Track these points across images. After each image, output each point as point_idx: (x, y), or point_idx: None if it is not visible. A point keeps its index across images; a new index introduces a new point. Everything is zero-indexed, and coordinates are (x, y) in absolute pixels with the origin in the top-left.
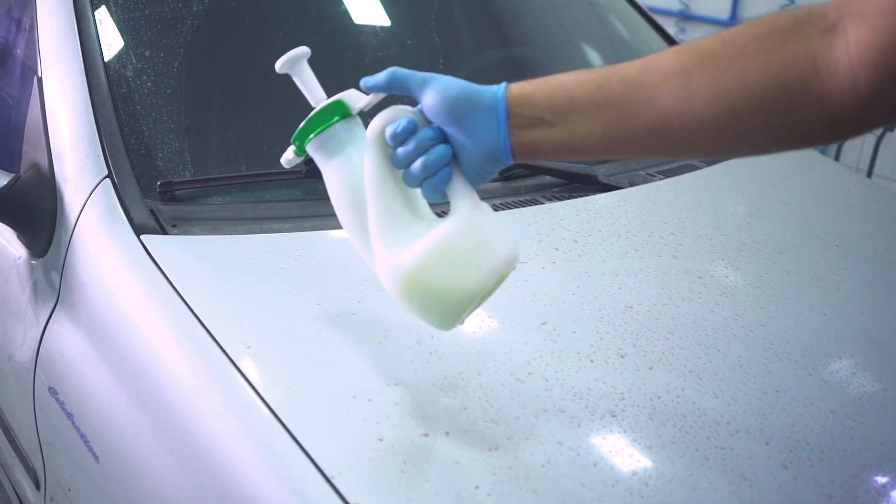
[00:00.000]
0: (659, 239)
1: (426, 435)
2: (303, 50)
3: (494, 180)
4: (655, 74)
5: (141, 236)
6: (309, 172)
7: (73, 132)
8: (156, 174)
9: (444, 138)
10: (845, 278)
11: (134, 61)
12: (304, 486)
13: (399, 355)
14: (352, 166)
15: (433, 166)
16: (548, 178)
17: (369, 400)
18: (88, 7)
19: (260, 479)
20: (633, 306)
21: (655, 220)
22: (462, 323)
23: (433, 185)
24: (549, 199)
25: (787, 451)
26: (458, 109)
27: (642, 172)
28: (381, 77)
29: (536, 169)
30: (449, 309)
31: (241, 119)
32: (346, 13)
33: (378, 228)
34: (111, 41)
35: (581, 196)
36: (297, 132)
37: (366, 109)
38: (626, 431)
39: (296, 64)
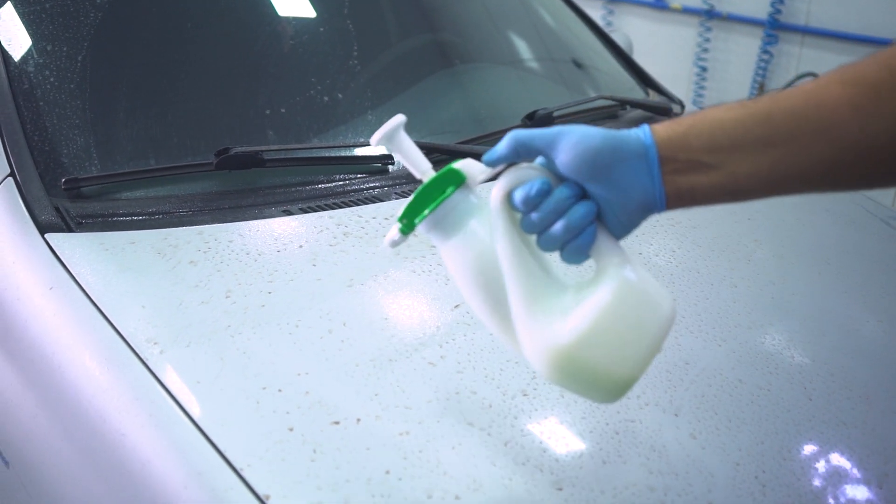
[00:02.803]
0: None
1: (337, 423)
2: (399, 119)
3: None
4: (823, 108)
5: (45, 235)
6: (219, 164)
7: None
8: (61, 171)
9: (583, 194)
10: (756, 250)
11: (36, 56)
12: (211, 479)
13: (310, 345)
14: (477, 241)
15: (577, 227)
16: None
17: (279, 391)
18: None
19: (168, 474)
20: None
21: None
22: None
23: (577, 248)
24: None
25: (696, 421)
26: (600, 161)
27: None
28: (502, 147)
29: (452, 153)
30: (620, 382)
31: (148, 113)
32: (257, 3)
33: (522, 305)
34: (11, 36)
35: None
36: (405, 209)
37: (486, 181)
38: (537, 410)
39: (394, 136)
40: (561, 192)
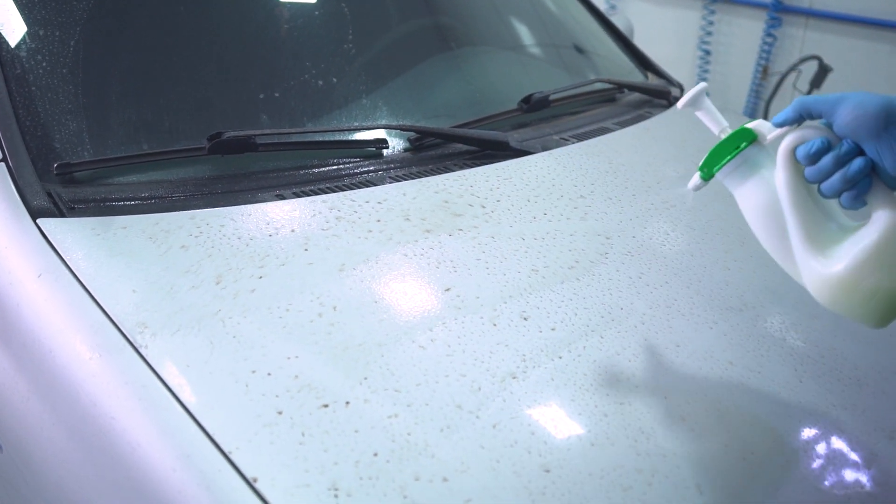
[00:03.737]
0: (568, 202)
1: (325, 406)
2: (702, 86)
3: (405, 150)
4: None
5: (38, 220)
6: (212, 149)
7: None
8: (54, 157)
9: (860, 151)
10: (750, 233)
11: (28, 41)
12: (200, 462)
13: (300, 328)
14: (767, 187)
15: (854, 178)
16: (460, 146)
17: (269, 374)
18: None
19: (157, 457)
20: (539, 269)
21: (566, 183)
22: None
23: (854, 196)
24: (460, 167)
25: (686, 403)
26: (879, 123)
27: (556, 137)
28: (789, 111)
29: (448, 136)
30: (889, 306)
31: (141, 97)
32: None
33: (803, 241)
34: (3, 20)
35: (493, 163)
36: (705, 160)
37: (774, 139)
38: (526, 393)
39: (698, 100)
40: (841, 148)
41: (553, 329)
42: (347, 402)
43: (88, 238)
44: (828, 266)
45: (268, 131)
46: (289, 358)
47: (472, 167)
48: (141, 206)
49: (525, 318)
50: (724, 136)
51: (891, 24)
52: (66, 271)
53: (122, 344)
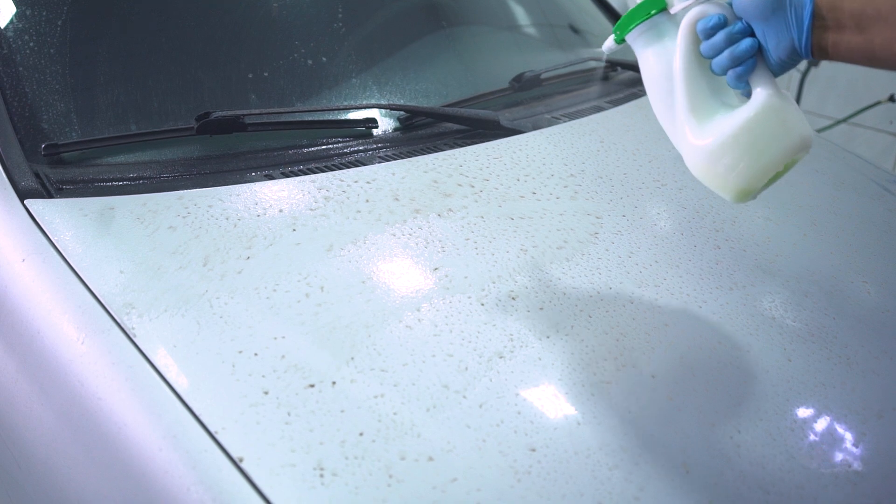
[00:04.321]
0: (558, 181)
1: (312, 386)
2: None
3: (395, 129)
4: None
5: (25, 201)
6: (200, 129)
7: None
8: (41, 137)
9: (751, 32)
10: (743, 211)
11: (15, 21)
12: (186, 442)
13: (287, 308)
14: (666, 55)
15: (740, 57)
16: (450, 126)
17: (255, 354)
18: None
19: (143, 437)
20: (528, 249)
21: (556, 162)
22: (754, 199)
23: (738, 75)
24: (450, 146)
25: (673, 382)
26: (768, 6)
27: (547, 116)
28: None
29: (438, 116)
30: (749, 182)
31: (129, 77)
32: None
33: (686, 111)
34: None
35: (483, 142)
36: (619, 22)
37: (680, 10)
38: (513, 372)
39: None
40: (734, 27)
41: (541, 308)
42: (334, 382)
43: (76, 219)
44: (701, 137)
45: (256, 111)
46: (275, 338)
47: (462, 146)
48: (129, 187)
49: (513, 298)
50: (638, 2)
51: None
52: (54, 252)
53: (109, 324)
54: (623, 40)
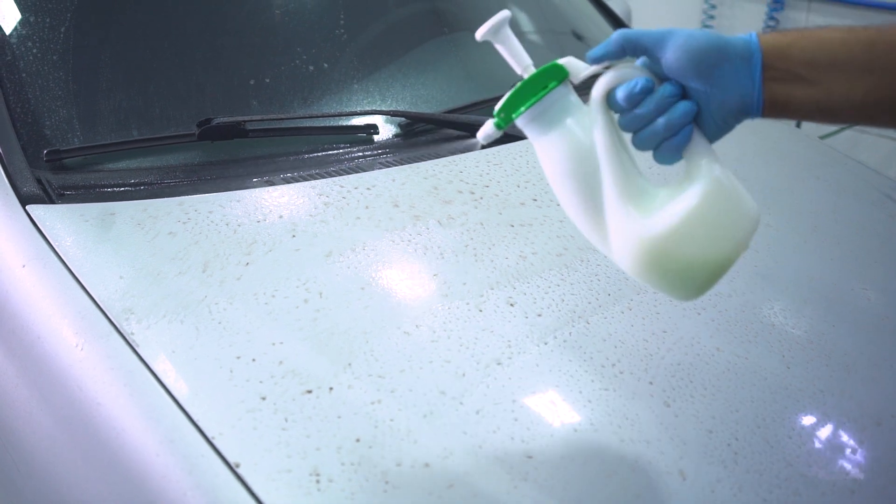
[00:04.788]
0: None
1: (309, 392)
2: (504, 14)
3: (396, 135)
4: None
5: (27, 206)
6: (202, 135)
7: None
8: (43, 143)
9: (684, 94)
10: None
11: (18, 28)
12: (183, 447)
13: (285, 314)
14: (574, 136)
15: (676, 125)
16: (451, 132)
17: (253, 360)
18: None
19: (141, 442)
20: (527, 256)
21: None
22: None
23: (673, 147)
24: (451, 153)
25: (671, 389)
26: (706, 61)
27: None
28: (609, 44)
29: (438, 122)
30: (704, 278)
31: (131, 84)
32: None
33: (616, 200)
34: None
35: (484, 148)
36: (502, 103)
37: (586, 78)
38: (510, 378)
39: (499, 31)
40: (665, 90)
41: (539, 315)
42: (331, 388)
43: (77, 224)
44: (645, 230)
45: (257, 117)
46: (273, 344)
47: (462, 153)
48: (130, 193)
49: (511, 305)
50: (527, 75)
51: (894, 7)
52: (55, 257)
53: (108, 330)
54: (507, 124)
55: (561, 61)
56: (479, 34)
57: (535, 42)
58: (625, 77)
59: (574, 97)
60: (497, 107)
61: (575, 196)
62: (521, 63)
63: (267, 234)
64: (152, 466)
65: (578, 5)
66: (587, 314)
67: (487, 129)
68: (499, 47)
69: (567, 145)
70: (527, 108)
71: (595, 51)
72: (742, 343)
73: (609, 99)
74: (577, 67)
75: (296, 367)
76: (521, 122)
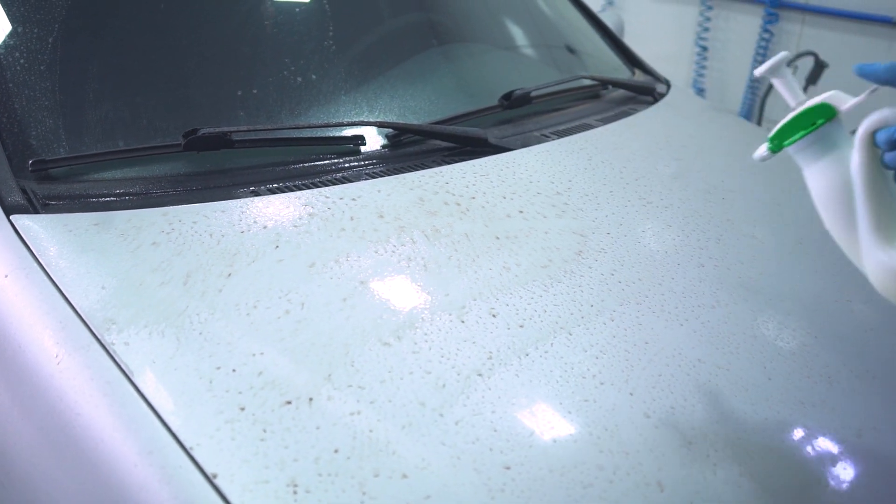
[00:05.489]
0: (545, 199)
1: (288, 403)
2: (782, 55)
3: (383, 146)
4: None
5: (11, 216)
6: (187, 146)
7: None
8: (29, 153)
9: None
10: (728, 230)
11: (5, 38)
12: (161, 458)
13: (266, 325)
14: (840, 168)
15: None
16: (438, 143)
17: (233, 371)
18: None
19: (120, 453)
20: (511, 267)
21: (543, 180)
22: None
23: None
24: (438, 164)
25: (651, 400)
26: None
27: (536, 133)
28: (879, 68)
29: (425, 133)
30: None
31: (117, 94)
32: None
33: (871, 230)
34: None
35: (471, 159)
36: (776, 131)
37: (851, 110)
38: (490, 390)
39: (778, 68)
40: None
41: (521, 326)
42: (311, 399)
43: (61, 234)
44: (890, 261)
45: (244, 128)
46: (254, 355)
47: (449, 164)
48: (115, 203)
49: (494, 315)
50: (800, 110)
51: (887, 20)
52: (38, 268)
53: (89, 340)
54: (779, 149)
55: (829, 99)
56: (759, 71)
57: (528, 55)
58: (888, 121)
59: (840, 133)
60: (771, 132)
61: (836, 220)
62: (796, 97)
63: (250, 245)
64: (130, 477)
65: (571, 18)
66: (569, 325)
67: (762, 151)
68: (775, 82)
69: (828, 176)
70: (795, 140)
71: (867, 66)
72: (724, 354)
73: (872, 138)
74: (839, 101)
75: (276, 377)
76: (792, 150)
